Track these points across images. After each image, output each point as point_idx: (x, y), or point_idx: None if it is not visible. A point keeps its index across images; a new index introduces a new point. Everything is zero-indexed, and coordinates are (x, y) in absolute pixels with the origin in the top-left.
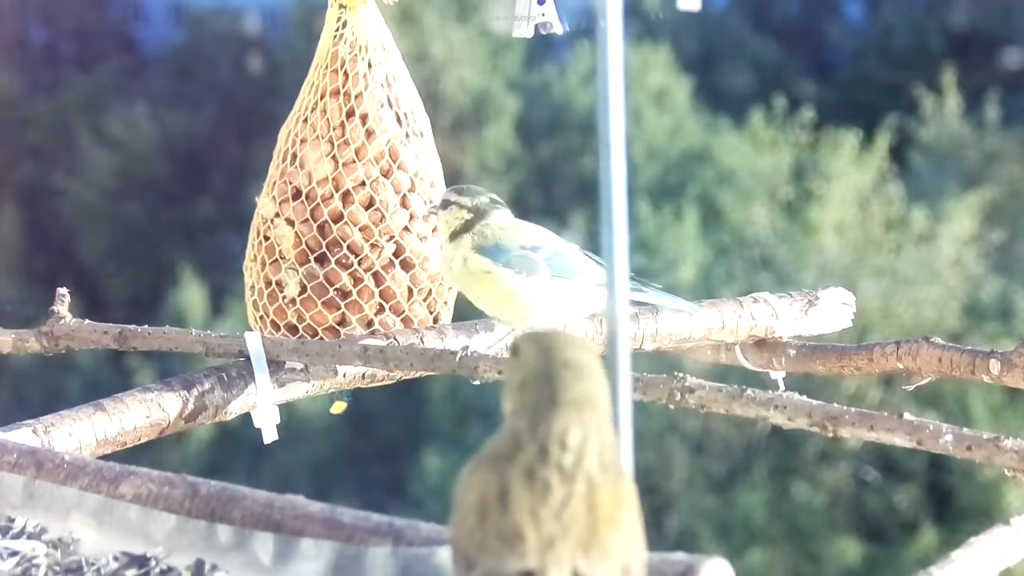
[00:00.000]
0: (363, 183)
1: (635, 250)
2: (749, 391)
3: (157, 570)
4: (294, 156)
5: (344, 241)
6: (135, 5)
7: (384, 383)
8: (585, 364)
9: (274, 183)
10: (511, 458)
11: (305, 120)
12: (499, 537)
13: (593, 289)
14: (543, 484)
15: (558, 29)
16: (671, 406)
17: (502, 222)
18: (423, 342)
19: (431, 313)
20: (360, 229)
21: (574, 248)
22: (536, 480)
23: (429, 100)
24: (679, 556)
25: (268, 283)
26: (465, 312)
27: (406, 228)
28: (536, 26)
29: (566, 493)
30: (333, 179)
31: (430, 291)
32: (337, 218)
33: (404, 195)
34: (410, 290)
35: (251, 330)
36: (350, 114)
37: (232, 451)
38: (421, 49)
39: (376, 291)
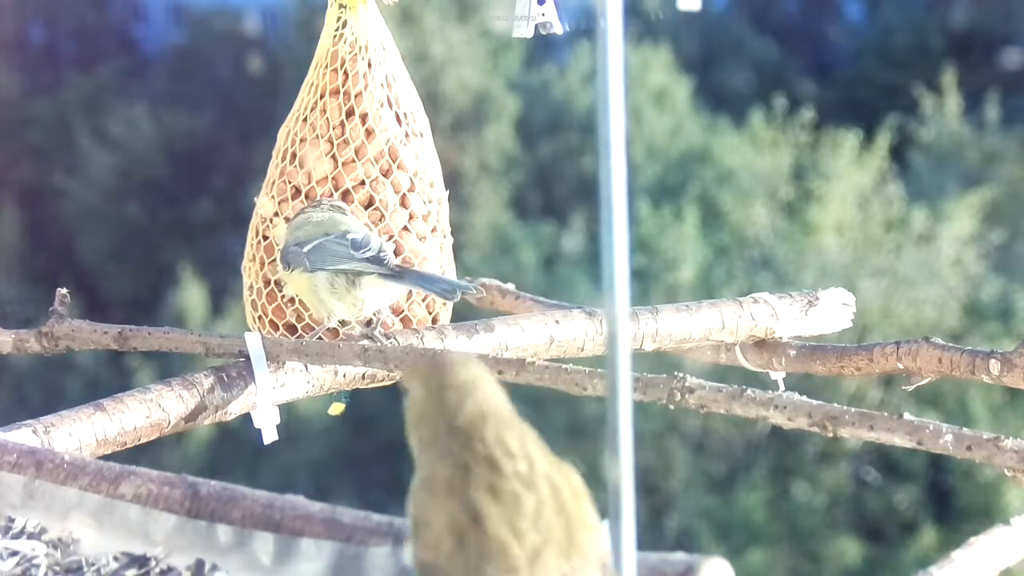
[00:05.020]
0: (363, 182)
1: (635, 250)
2: (749, 391)
3: (157, 570)
4: (293, 155)
5: None
6: (135, 5)
7: (384, 383)
8: (464, 381)
9: (273, 182)
10: (466, 480)
11: (305, 119)
12: (483, 557)
13: (362, 277)
14: (511, 496)
15: (558, 29)
16: (671, 406)
17: (296, 222)
18: (423, 342)
19: (430, 313)
20: None
21: (347, 238)
22: (503, 493)
23: (429, 100)
24: (679, 556)
25: (267, 283)
26: (465, 312)
27: (405, 228)
28: (536, 26)
29: (536, 500)
30: (333, 178)
31: None
32: None
33: (404, 195)
34: (409, 290)
35: (251, 330)
36: (350, 113)
37: (232, 451)
38: (421, 49)
39: None
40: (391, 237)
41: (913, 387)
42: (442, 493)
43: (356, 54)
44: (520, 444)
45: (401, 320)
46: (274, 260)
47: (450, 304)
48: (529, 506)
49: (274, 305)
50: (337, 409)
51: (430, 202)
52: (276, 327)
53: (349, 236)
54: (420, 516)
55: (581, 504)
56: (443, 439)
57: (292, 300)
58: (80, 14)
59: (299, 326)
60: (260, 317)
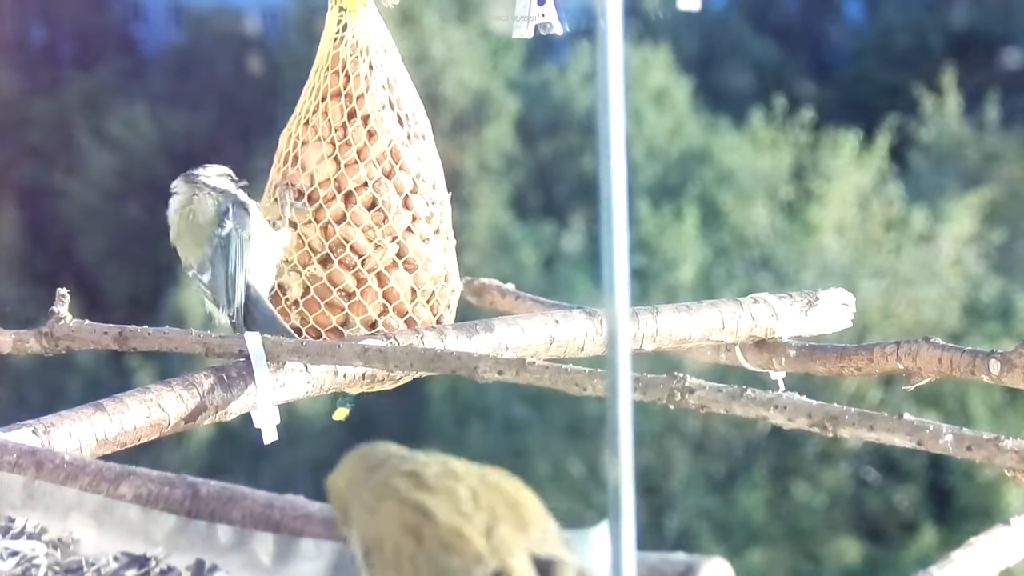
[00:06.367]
0: (365, 184)
1: (635, 250)
2: (749, 391)
3: (157, 570)
4: (295, 158)
5: (347, 242)
6: (135, 5)
7: (384, 386)
8: (370, 451)
9: (275, 186)
10: (397, 489)
11: (307, 123)
12: (445, 548)
13: None
14: (444, 489)
15: (558, 29)
16: (671, 406)
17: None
18: (423, 342)
19: (434, 315)
20: (363, 230)
21: (206, 285)
22: (436, 489)
23: (429, 101)
24: (679, 556)
25: (270, 286)
26: (465, 312)
27: (409, 229)
28: (536, 26)
29: (468, 486)
30: (336, 180)
31: (433, 292)
32: (340, 219)
33: (406, 196)
34: (413, 291)
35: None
36: (352, 115)
37: (232, 451)
38: (421, 50)
39: (379, 292)
40: (394, 238)
41: (913, 387)
42: (384, 507)
43: (357, 56)
44: (429, 456)
45: (405, 321)
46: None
47: (454, 305)
48: (464, 492)
49: (278, 308)
50: (342, 414)
51: (433, 203)
52: None
53: (206, 278)
54: (369, 541)
55: (513, 484)
56: (364, 483)
57: (296, 303)
58: (80, 14)
59: (304, 328)
60: None
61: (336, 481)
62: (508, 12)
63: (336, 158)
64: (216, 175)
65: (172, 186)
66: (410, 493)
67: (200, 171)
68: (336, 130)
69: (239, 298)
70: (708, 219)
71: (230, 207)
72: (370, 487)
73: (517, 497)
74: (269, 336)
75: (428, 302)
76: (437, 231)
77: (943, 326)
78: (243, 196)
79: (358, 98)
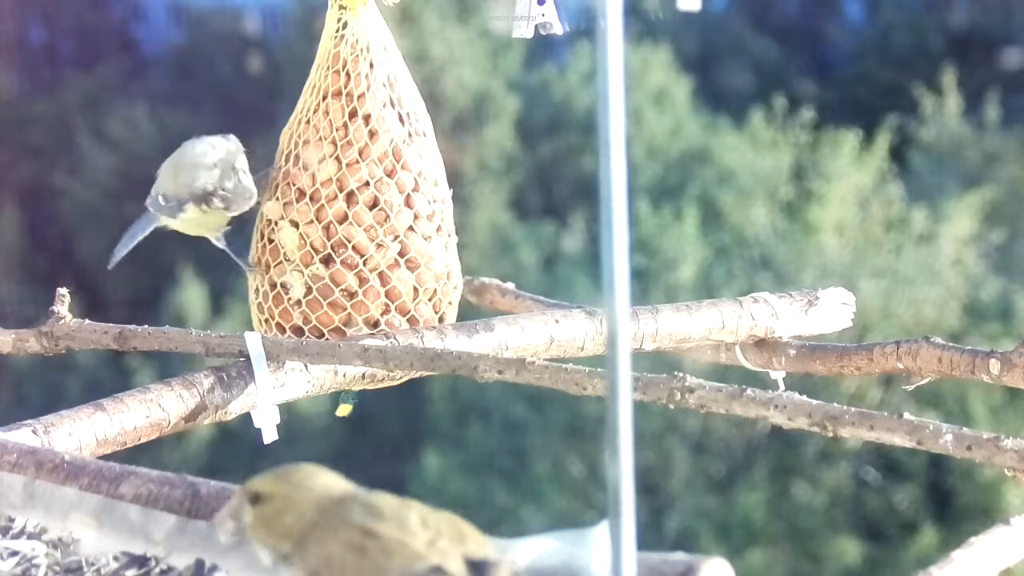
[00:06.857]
0: (367, 183)
1: (635, 250)
2: (749, 391)
3: (157, 570)
4: (296, 158)
5: (349, 242)
6: (135, 5)
7: (384, 384)
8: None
9: (277, 185)
10: (343, 514)
11: (307, 121)
12: (387, 555)
13: None
14: (393, 515)
15: (558, 29)
16: (671, 406)
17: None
18: (423, 342)
19: (436, 312)
20: (365, 230)
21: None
22: (384, 516)
23: (429, 100)
24: (679, 556)
25: (273, 285)
26: (465, 312)
27: (411, 228)
28: (536, 26)
29: (418, 514)
30: (337, 180)
31: (435, 290)
32: (342, 219)
33: (408, 195)
34: (415, 290)
35: (251, 330)
36: (352, 115)
37: (232, 451)
38: (421, 49)
39: (382, 291)
40: (396, 237)
41: (913, 387)
42: (326, 535)
43: (357, 55)
44: (372, 495)
45: (408, 320)
46: (280, 263)
47: (456, 302)
48: (413, 520)
49: (281, 307)
50: (345, 410)
51: (434, 201)
52: (283, 329)
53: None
54: (317, 562)
55: (465, 522)
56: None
57: (299, 302)
58: (80, 14)
59: (306, 328)
60: (267, 320)
61: (291, 506)
62: (508, 12)
63: (337, 158)
64: (239, 186)
65: (231, 139)
66: (357, 517)
67: (241, 170)
68: (337, 130)
69: (116, 257)
70: (708, 219)
71: (177, 203)
72: (318, 524)
73: (463, 527)
74: (269, 336)
75: (430, 300)
76: (439, 229)
77: (943, 326)
78: (186, 209)
79: (359, 97)
